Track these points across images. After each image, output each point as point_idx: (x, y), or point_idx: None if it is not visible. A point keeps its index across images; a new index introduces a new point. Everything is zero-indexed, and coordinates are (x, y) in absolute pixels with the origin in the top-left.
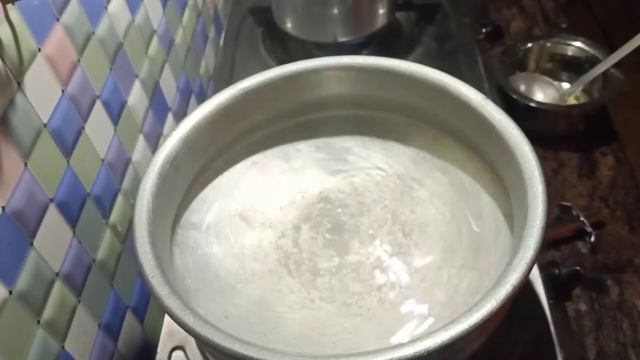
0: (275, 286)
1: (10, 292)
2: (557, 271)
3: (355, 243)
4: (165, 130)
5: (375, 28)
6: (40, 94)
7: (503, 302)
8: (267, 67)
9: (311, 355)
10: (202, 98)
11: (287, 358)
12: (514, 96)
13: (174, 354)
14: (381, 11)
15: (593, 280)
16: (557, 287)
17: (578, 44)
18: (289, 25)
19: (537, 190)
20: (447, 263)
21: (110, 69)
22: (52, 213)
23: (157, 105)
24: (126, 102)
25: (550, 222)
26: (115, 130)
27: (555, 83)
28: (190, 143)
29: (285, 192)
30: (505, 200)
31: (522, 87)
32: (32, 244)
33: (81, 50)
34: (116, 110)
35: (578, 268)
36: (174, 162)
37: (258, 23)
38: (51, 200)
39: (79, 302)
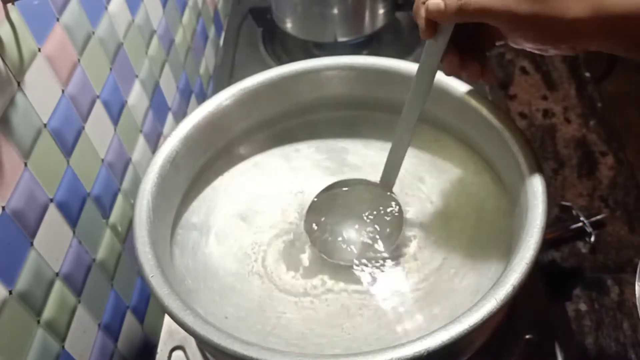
0: (275, 286)
1: (10, 292)
2: (557, 271)
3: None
4: (165, 130)
5: (375, 28)
6: (40, 93)
7: (503, 302)
8: (267, 67)
9: (311, 355)
10: (202, 98)
11: (287, 358)
12: None
13: (174, 354)
14: (381, 11)
15: (593, 280)
16: (557, 287)
17: None
18: (289, 25)
19: (537, 190)
20: (447, 263)
21: (110, 69)
22: (52, 213)
23: (157, 105)
24: (126, 102)
25: (550, 222)
26: (115, 130)
27: None
28: (190, 143)
29: (285, 193)
30: (505, 200)
31: None
32: (32, 244)
33: (81, 50)
34: (116, 110)
35: (578, 268)
36: (174, 162)
37: (258, 23)
38: (51, 200)
39: (79, 302)
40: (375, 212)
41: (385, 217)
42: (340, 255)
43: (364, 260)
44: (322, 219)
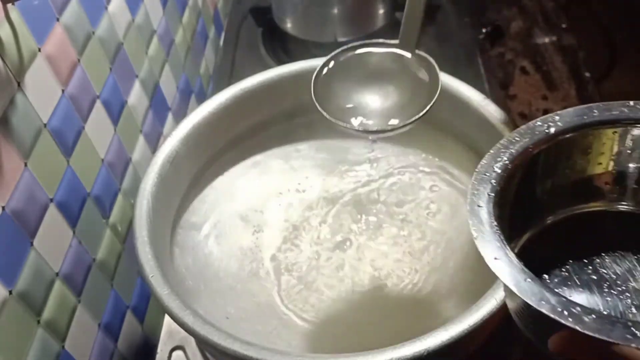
0: (275, 286)
1: (10, 292)
2: None
3: (355, 243)
4: (165, 130)
5: (375, 28)
6: (40, 93)
7: (503, 302)
8: (267, 67)
9: (311, 355)
10: (202, 98)
11: (287, 358)
12: None
13: (174, 354)
14: (381, 11)
15: None
16: None
17: None
18: (289, 25)
19: None
20: (447, 262)
21: (110, 69)
22: (52, 213)
23: (157, 105)
24: (126, 102)
25: None
26: (115, 130)
27: None
28: (190, 143)
29: (285, 193)
30: None
31: None
32: (32, 244)
33: (81, 50)
34: (116, 110)
35: None
36: (174, 162)
37: (258, 23)
38: (51, 200)
39: (79, 302)
40: (398, 75)
41: (411, 80)
42: (358, 122)
43: (388, 125)
44: (335, 85)
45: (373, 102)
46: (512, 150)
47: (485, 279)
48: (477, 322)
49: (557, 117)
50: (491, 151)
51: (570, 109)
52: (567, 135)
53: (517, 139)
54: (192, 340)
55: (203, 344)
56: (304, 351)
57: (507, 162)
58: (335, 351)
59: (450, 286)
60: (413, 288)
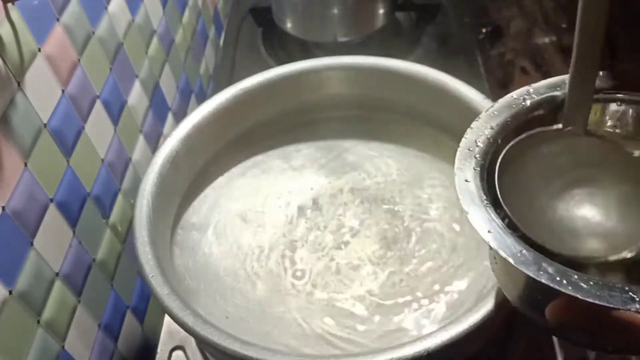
0: (275, 286)
1: (10, 292)
2: None
3: (355, 243)
4: (165, 130)
5: (375, 28)
6: (41, 93)
7: (502, 303)
8: (267, 67)
9: (311, 355)
10: (202, 98)
11: (287, 358)
12: None
13: (174, 354)
14: (381, 11)
15: None
16: None
17: None
18: (289, 25)
19: None
20: (448, 263)
21: (110, 69)
22: (52, 213)
23: (157, 105)
24: (126, 102)
25: None
26: (115, 130)
27: None
28: (190, 143)
29: (285, 193)
30: None
31: None
32: (32, 244)
33: (81, 50)
34: (116, 110)
35: None
36: (174, 162)
37: (258, 23)
38: (51, 200)
39: (79, 302)
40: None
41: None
42: (583, 246)
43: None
44: (529, 193)
45: (584, 213)
46: (492, 125)
47: (487, 278)
48: (477, 322)
49: (531, 90)
50: (471, 127)
51: (543, 81)
52: (542, 111)
53: (495, 113)
54: (192, 340)
55: (203, 344)
56: (303, 351)
57: (488, 136)
58: (335, 351)
59: (449, 285)
60: (415, 287)
